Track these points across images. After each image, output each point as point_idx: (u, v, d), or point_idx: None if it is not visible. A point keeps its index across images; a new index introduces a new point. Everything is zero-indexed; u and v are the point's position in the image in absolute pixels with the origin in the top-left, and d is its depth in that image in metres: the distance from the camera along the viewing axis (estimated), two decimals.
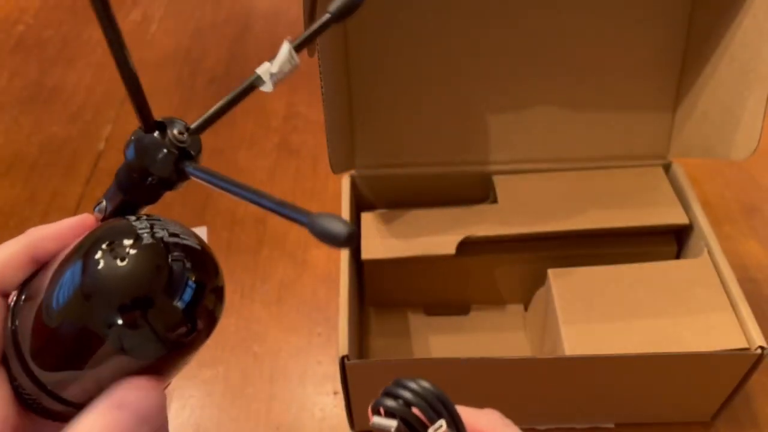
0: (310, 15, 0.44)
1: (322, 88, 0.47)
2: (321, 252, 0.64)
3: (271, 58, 0.24)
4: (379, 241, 0.53)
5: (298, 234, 0.66)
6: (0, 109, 0.82)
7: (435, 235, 0.52)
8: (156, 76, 0.83)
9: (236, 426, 0.52)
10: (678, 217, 0.53)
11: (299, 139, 0.76)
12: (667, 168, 0.56)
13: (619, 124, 0.55)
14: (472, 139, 0.56)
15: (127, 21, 0.94)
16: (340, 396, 0.54)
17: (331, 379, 0.55)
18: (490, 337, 0.56)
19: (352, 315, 0.46)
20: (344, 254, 0.49)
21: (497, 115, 0.55)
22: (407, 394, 0.25)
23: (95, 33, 0.92)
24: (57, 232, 0.26)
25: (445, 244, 0.52)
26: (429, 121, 0.55)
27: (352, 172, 0.56)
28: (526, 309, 0.57)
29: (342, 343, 0.44)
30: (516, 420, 0.51)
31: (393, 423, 0.25)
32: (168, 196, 0.25)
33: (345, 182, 0.55)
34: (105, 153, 0.75)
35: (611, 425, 0.52)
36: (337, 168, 0.52)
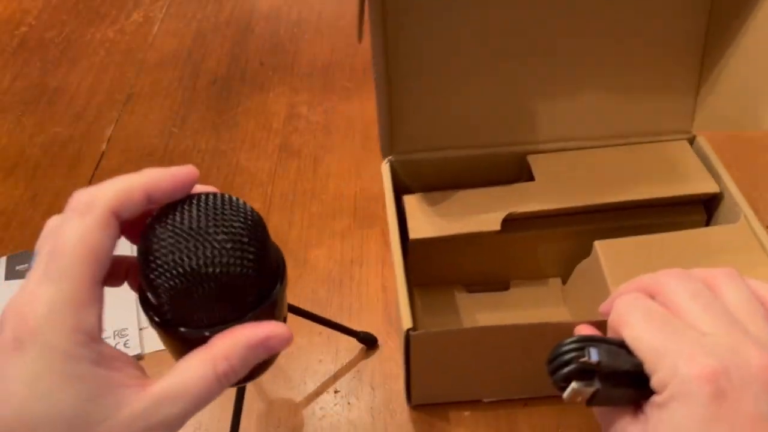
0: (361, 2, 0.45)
1: (374, 73, 0.49)
2: (321, 252, 0.65)
3: None
4: (425, 220, 0.53)
5: (299, 233, 0.66)
6: (3, 109, 0.83)
7: (478, 214, 0.53)
8: (157, 77, 0.83)
9: None
10: (709, 186, 0.54)
11: (300, 140, 0.76)
12: (691, 142, 0.58)
13: (645, 101, 0.56)
14: (506, 121, 0.57)
15: (128, 22, 0.94)
16: (341, 394, 0.54)
17: (332, 378, 0.55)
18: (530, 312, 0.58)
19: (406, 293, 0.47)
20: (394, 236, 0.50)
21: (530, 98, 0.56)
22: (569, 355, 0.27)
23: (98, 34, 0.93)
24: (171, 175, 0.28)
25: (489, 221, 0.53)
26: (463, 105, 0.56)
27: (390, 157, 0.56)
28: (563, 282, 0.59)
29: (405, 318, 0.45)
30: None
31: (591, 387, 0.27)
32: None
33: (384, 168, 0.56)
34: (107, 153, 0.76)
35: None
36: (386, 152, 0.54)
